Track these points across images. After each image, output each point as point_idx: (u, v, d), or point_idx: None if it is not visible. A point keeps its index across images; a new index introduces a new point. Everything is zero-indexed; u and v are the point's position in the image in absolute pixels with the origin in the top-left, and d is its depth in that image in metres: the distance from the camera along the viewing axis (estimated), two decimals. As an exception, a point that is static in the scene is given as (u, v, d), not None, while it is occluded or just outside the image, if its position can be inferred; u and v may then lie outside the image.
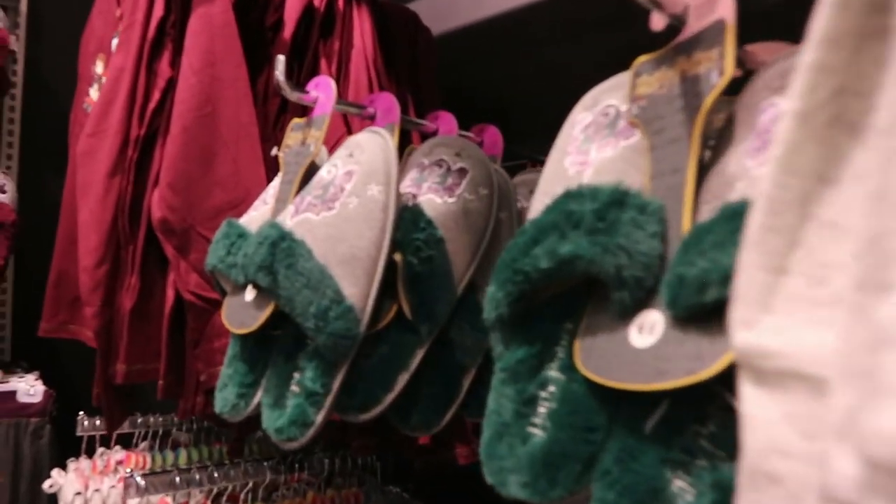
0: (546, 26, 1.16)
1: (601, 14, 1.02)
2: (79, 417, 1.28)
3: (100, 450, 1.29)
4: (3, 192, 1.49)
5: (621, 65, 0.52)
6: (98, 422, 1.27)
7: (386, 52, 1.13)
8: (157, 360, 0.90)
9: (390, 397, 0.59)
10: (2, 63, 1.46)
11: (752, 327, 0.25)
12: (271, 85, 1.04)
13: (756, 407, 0.25)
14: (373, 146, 0.60)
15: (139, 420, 1.30)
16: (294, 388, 0.59)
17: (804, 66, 0.24)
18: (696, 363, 0.34)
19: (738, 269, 0.26)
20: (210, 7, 0.95)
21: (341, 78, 1.06)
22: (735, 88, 0.44)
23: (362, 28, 1.11)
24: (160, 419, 1.30)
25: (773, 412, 0.24)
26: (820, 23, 0.23)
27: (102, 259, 0.90)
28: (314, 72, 1.06)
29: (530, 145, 1.04)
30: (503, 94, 1.28)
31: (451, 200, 0.61)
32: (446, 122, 0.77)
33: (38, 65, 1.70)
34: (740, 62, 0.49)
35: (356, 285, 0.55)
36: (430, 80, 1.22)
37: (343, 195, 0.57)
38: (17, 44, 1.67)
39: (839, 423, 0.21)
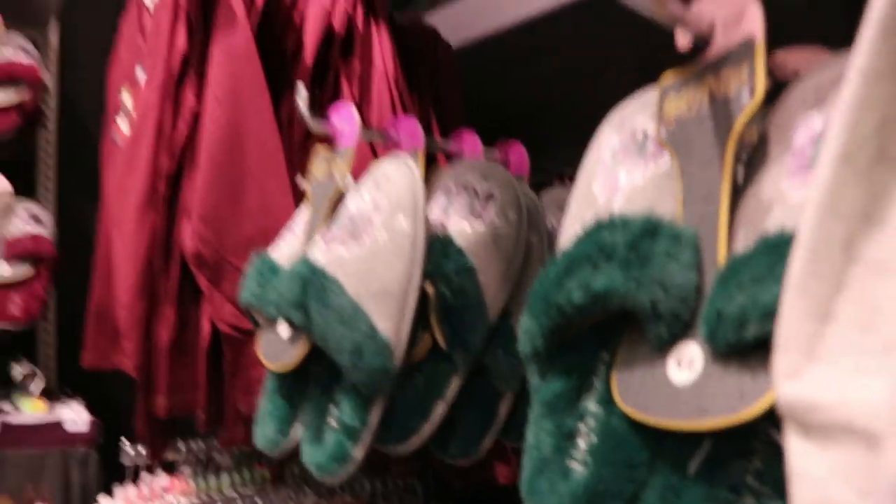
0: (569, 33, 1.15)
1: (626, 20, 1.01)
2: (123, 445, 1.30)
3: (145, 475, 1.31)
4: (40, 222, 1.52)
5: (650, 69, 0.51)
6: (142, 449, 1.29)
7: (406, 69, 1.13)
8: (197, 391, 0.91)
9: (428, 428, 0.59)
10: (35, 100, 1.50)
11: (798, 378, 0.24)
12: (294, 110, 1.04)
13: (805, 462, 0.24)
14: (398, 176, 0.60)
15: (181, 446, 1.31)
16: (332, 422, 0.59)
17: (844, 104, 0.23)
18: (738, 402, 0.33)
19: (780, 317, 0.25)
20: (231, 37, 0.96)
21: (363, 99, 1.06)
22: (766, 96, 0.42)
23: (382, 47, 1.11)
24: (202, 444, 1.31)
25: (823, 468, 0.23)
26: (861, 58, 0.22)
27: (139, 294, 0.92)
28: (336, 93, 1.07)
29: (556, 154, 1.03)
30: (527, 103, 1.27)
31: (480, 227, 0.61)
32: (470, 142, 0.76)
33: (71, 95, 1.74)
34: (770, 72, 0.48)
35: (390, 319, 0.55)
36: (451, 94, 1.22)
37: (372, 228, 0.57)
38: (48, 76, 1.71)
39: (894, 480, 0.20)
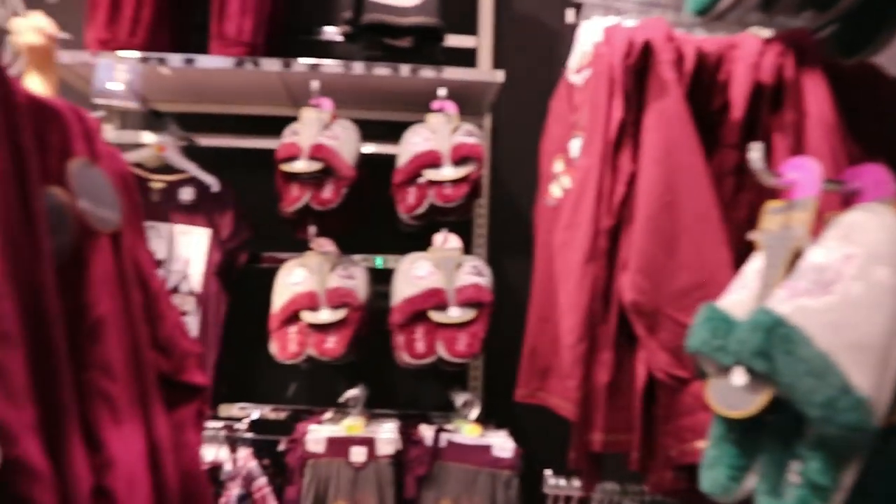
0: None
1: None
2: (546, 475, 1.43)
3: (563, 506, 1.42)
4: (482, 274, 1.78)
5: None
6: (563, 482, 1.41)
7: (847, 113, 1.06)
8: (630, 432, 0.96)
9: (913, 501, 0.54)
10: (478, 174, 1.79)
11: None
12: (724, 165, 1.06)
13: None
14: (873, 226, 0.57)
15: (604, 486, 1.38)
16: (794, 478, 0.58)
17: None
18: None
19: None
20: (664, 101, 1.03)
21: (798, 149, 1.02)
22: None
23: (817, 94, 1.06)
24: (617, 487, 1.37)
25: None
26: None
27: (581, 338, 1.02)
28: (767, 146, 1.05)
29: None
30: None
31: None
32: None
33: (498, 169, 2.03)
34: None
35: (867, 375, 0.53)
36: (901, 135, 1.10)
37: (844, 280, 0.56)
38: (486, 153, 2.04)
39: None
